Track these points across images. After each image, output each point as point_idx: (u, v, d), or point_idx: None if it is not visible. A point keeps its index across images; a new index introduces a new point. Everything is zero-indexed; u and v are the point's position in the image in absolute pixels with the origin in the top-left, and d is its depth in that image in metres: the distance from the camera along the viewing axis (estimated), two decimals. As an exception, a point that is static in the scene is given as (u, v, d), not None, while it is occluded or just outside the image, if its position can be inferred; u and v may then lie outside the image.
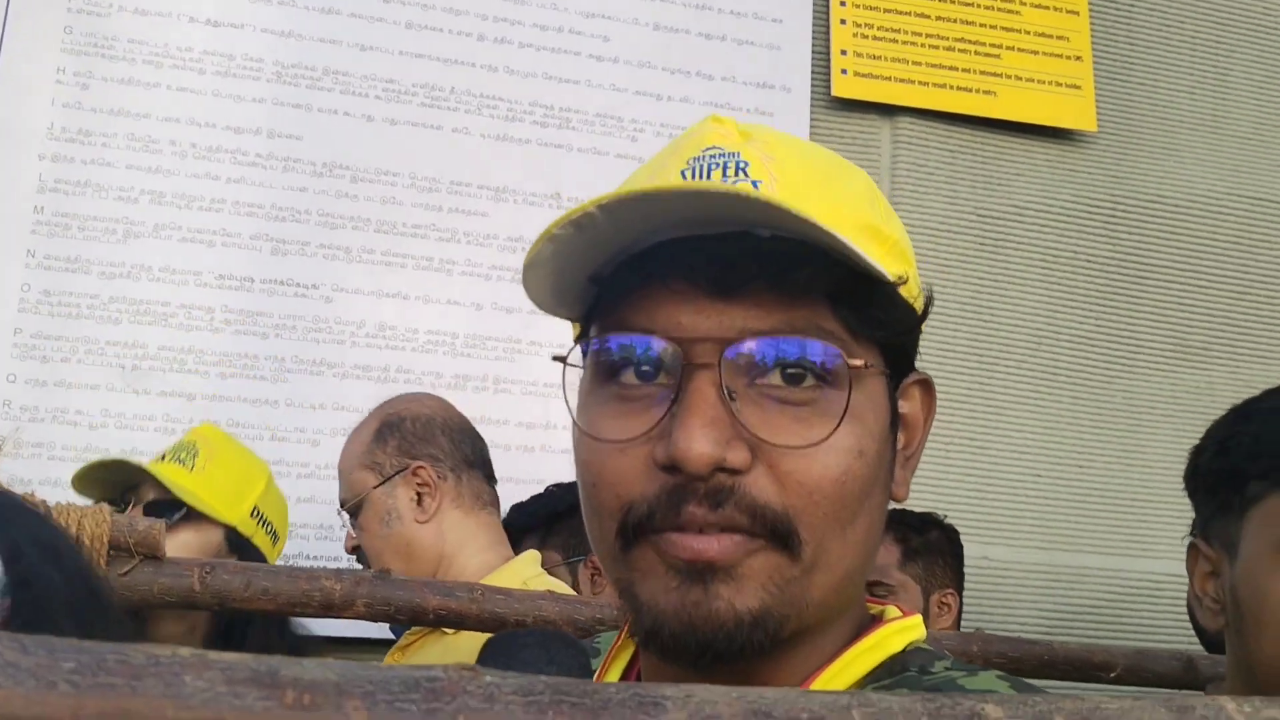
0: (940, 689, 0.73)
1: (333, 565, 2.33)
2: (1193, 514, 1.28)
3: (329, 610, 1.52)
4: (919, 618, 0.83)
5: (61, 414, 2.65)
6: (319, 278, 2.83)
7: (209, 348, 2.74)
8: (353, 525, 2.11)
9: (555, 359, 0.80)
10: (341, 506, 2.11)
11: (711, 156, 0.76)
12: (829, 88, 3.15)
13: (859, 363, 0.73)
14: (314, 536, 2.69)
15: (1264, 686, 1.09)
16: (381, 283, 2.86)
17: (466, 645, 2.08)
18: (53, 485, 2.53)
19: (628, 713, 0.48)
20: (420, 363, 2.84)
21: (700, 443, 0.69)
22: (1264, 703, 0.51)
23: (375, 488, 2.08)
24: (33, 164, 2.73)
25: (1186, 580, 1.28)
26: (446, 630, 2.07)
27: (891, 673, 0.77)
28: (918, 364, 0.83)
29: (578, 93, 3.05)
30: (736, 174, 0.75)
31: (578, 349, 0.80)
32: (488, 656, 0.67)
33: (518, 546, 2.16)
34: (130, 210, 2.76)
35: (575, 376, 0.80)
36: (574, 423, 0.78)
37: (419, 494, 2.06)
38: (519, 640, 0.68)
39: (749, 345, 0.72)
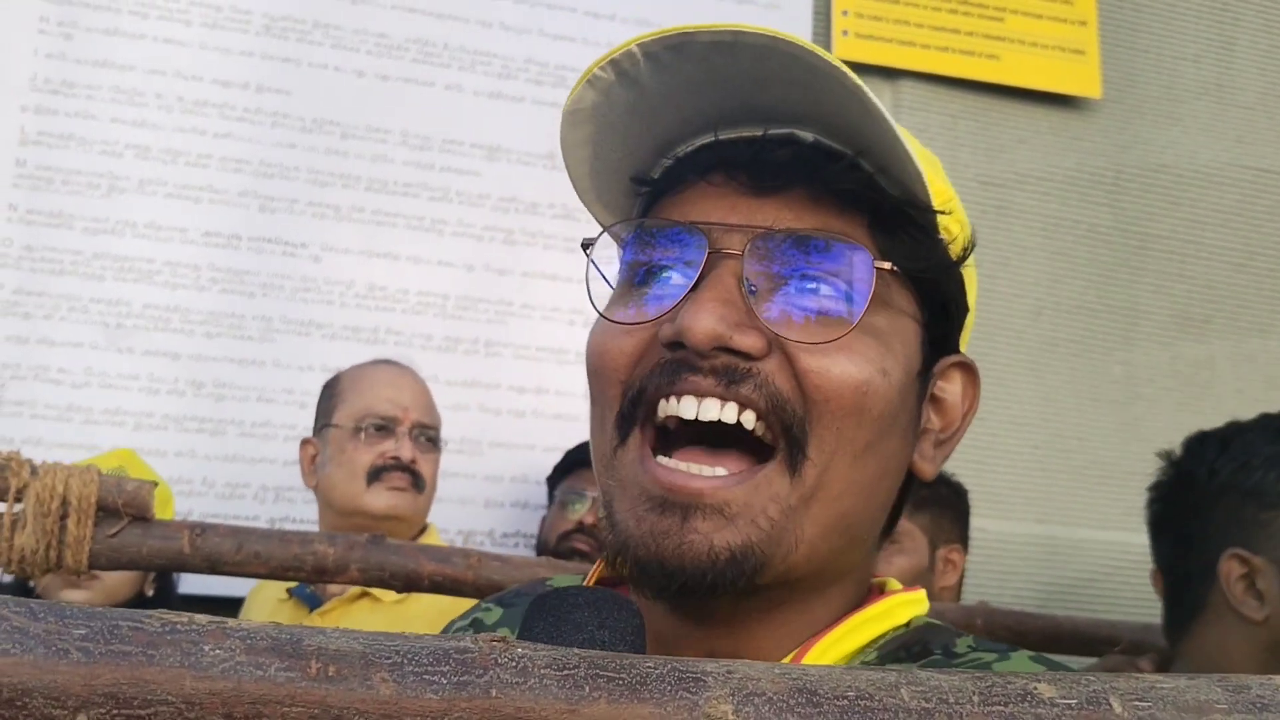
0: None
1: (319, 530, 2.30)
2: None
3: (322, 575, 1.47)
4: (923, 593, 0.79)
5: (44, 372, 2.59)
6: (307, 236, 2.77)
7: (194, 306, 2.68)
8: (422, 443, 2.26)
9: (584, 244, 0.78)
10: (429, 427, 2.27)
11: None
12: (829, 49, 3.10)
13: (886, 265, 0.70)
14: (301, 500, 2.64)
15: None
16: (371, 242, 2.80)
17: (416, 612, 2.08)
18: (35, 444, 2.48)
19: (667, 688, 0.47)
20: (410, 324, 2.79)
21: (706, 318, 0.67)
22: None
23: None
24: (15, 116, 2.66)
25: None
26: (379, 596, 2.09)
27: (907, 649, 0.73)
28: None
29: (573, 50, 2.98)
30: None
31: (606, 237, 0.79)
32: (534, 617, 0.64)
33: None
34: (115, 164, 2.69)
35: (601, 276, 0.79)
36: (595, 310, 0.76)
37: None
38: (569, 600, 0.64)
39: (777, 238, 0.70)
